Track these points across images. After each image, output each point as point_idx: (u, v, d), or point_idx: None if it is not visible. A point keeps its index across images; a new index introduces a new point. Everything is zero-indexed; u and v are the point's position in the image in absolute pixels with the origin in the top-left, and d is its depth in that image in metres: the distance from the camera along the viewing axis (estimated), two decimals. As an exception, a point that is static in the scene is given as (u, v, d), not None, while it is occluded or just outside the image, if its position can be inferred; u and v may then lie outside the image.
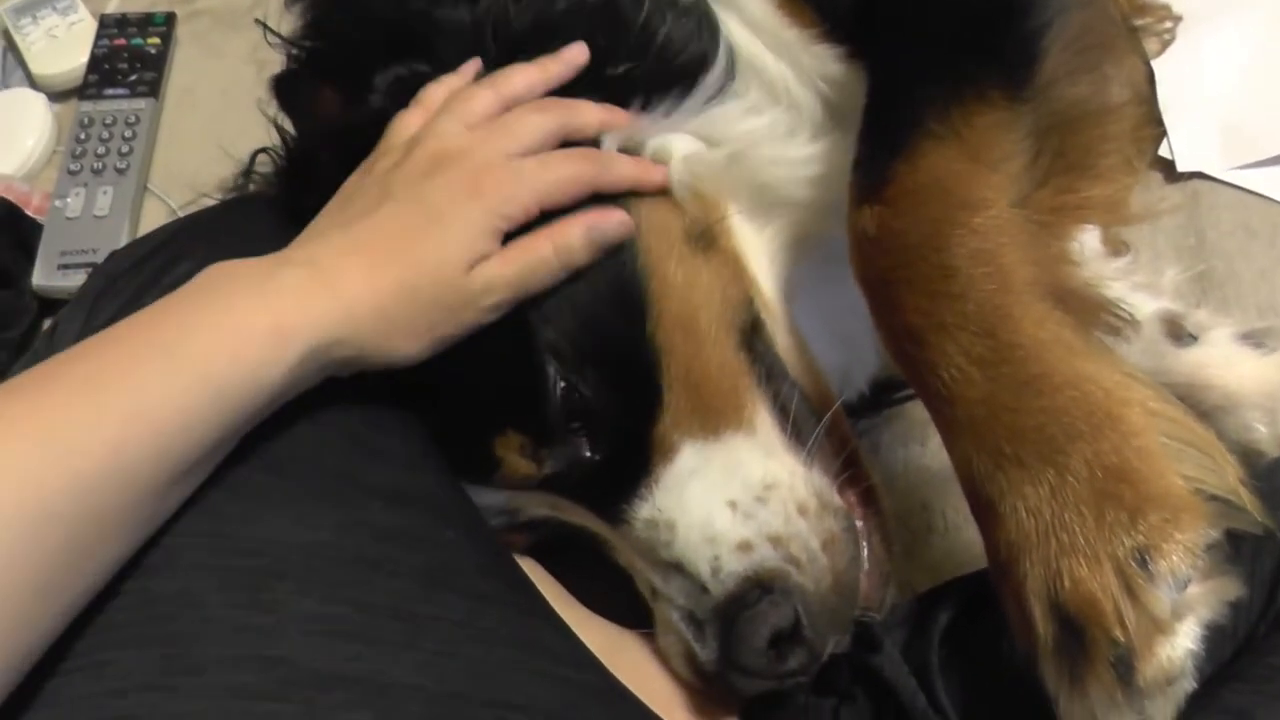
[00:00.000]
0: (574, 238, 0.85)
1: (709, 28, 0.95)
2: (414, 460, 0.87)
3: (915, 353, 0.77)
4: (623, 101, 0.93)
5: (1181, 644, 0.65)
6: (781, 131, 0.97)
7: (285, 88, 1.01)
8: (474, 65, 0.93)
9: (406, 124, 0.90)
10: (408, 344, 0.81)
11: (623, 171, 0.90)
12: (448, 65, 0.92)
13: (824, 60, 0.95)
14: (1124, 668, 0.65)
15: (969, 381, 0.73)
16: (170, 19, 1.80)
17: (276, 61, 1.04)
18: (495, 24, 0.92)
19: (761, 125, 0.96)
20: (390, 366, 0.82)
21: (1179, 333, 1.06)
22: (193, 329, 0.73)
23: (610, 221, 0.87)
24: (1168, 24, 1.36)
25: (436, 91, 0.91)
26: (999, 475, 0.71)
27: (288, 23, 1.04)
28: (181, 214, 1.45)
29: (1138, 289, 1.11)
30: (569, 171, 0.87)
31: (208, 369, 0.71)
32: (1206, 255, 1.24)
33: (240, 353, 0.72)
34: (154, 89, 1.71)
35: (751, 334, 0.92)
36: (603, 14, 0.92)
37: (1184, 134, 1.31)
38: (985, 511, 0.73)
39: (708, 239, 0.93)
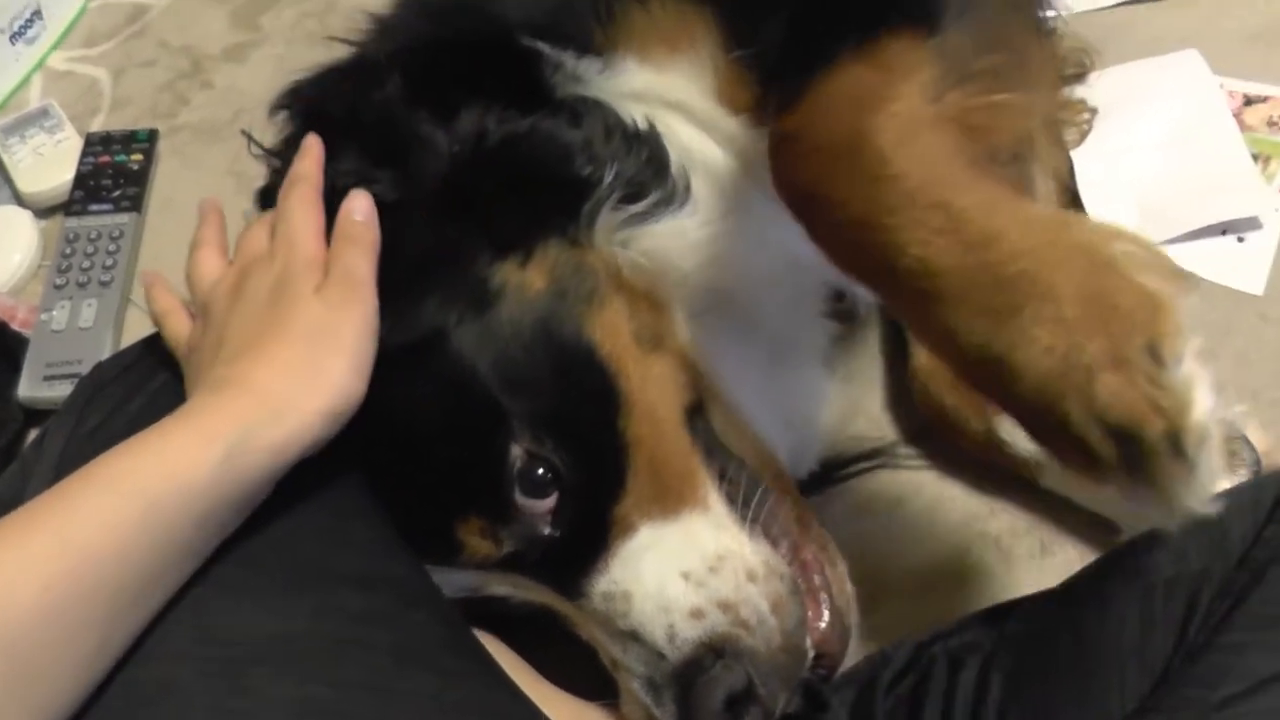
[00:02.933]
0: (357, 226, 0.96)
1: (658, 144, 1.03)
2: (381, 547, 0.93)
3: (873, 243, 0.78)
4: (584, 218, 1.00)
5: (1203, 403, 0.68)
6: (727, 236, 1.05)
7: (267, 200, 1.08)
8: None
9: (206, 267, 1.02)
10: (324, 398, 0.87)
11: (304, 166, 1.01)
12: (417, 183, 0.99)
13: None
14: (1176, 447, 0.68)
15: (940, 250, 0.75)
16: (153, 135, 1.87)
17: (256, 173, 1.11)
18: (467, 147, 1.00)
19: (708, 231, 1.04)
20: (323, 431, 0.87)
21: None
22: (126, 465, 0.78)
23: (357, 200, 0.97)
24: (1085, 115, 1.46)
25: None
26: (1002, 330, 0.72)
27: (271, 132, 1.12)
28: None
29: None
30: (296, 203, 0.98)
31: (135, 485, 0.76)
32: (1129, 328, 1.30)
33: (167, 463, 0.78)
34: (137, 204, 1.77)
35: (701, 420, 1.00)
36: (555, 145, 1.00)
37: (1105, 217, 1.38)
38: (998, 377, 0.73)
39: (657, 338, 1.00)
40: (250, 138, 1.14)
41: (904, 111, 0.82)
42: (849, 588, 1.00)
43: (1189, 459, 0.68)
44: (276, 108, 1.13)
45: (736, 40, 1.01)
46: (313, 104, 1.09)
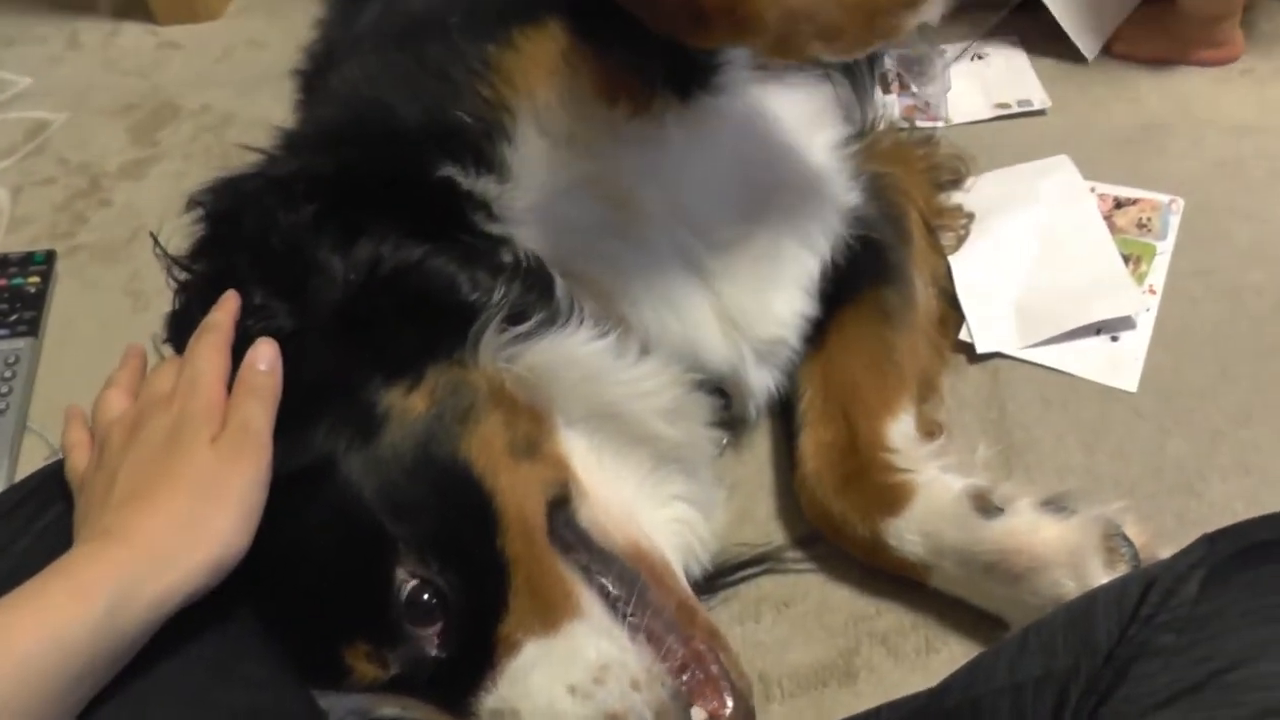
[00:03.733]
0: (260, 376, 0.97)
1: (544, 272, 1.09)
2: (270, 680, 0.93)
3: None
4: (470, 340, 1.03)
5: None
6: (608, 352, 1.09)
7: (178, 323, 1.10)
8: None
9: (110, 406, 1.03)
10: (206, 552, 0.87)
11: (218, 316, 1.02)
12: (313, 312, 1.02)
13: None
14: None
15: None
16: (50, 257, 1.86)
17: (153, 291, 1.12)
18: (361, 275, 1.03)
19: (592, 347, 1.08)
20: (205, 583, 0.87)
21: (987, 506, 1.15)
22: (2, 622, 0.78)
23: (262, 349, 0.99)
24: (963, 220, 1.51)
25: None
26: None
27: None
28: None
29: (949, 469, 1.22)
30: (204, 349, 0.99)
31: (11, 643, 0.76)
32: (1009, 427, 1.35)
33: (45, 622, 0.78)
34: (34, 327, 1.75)
35: (573, 521, 1.02)
36: (443, 276, 1.04)
37: (982, 318, 1.45)
38: None
39: (533, 446, 1.03)
40: (156, 241, 1.15)
41: None
42: (745, 672, 1.02)
43: None
44: (191, 204, 1.14)
45: (586, 36, 1.08)
46: (228, 214, 1.12)
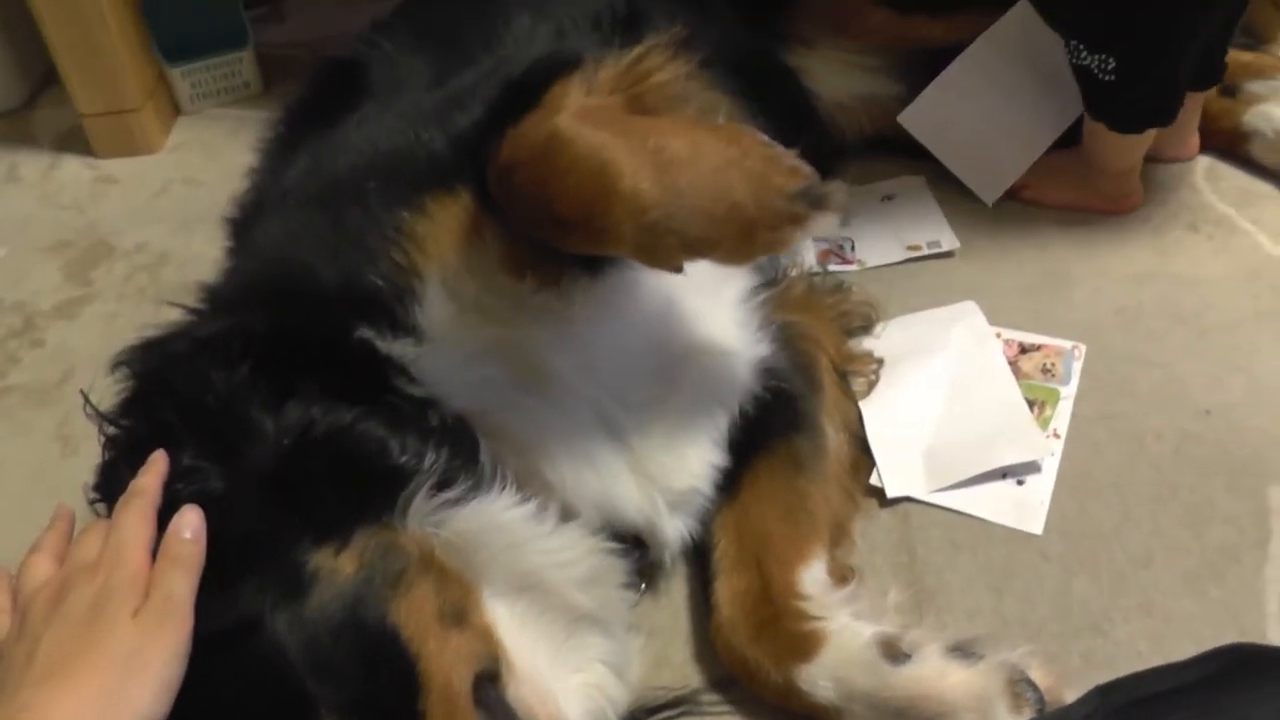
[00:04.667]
0: (184, 545, 0.99)
1: (469, 435, 1.14)
2: None
3: (586, 173, 1.03)
4: (400, 504, 1.07)
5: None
6: (530, 519, 1.13)
7: (107, 479, 1.13)
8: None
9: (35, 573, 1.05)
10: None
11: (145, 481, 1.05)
12: (244, 473, 1.05)
13: None
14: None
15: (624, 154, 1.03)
16: (-20, 397, 1.85)
17: (82, 436, 1.14)
18: (293, 437, 1.06)
19: (515, 514, 1.12)
20: None
21: (896, 653, 1.18)
22: None
23: (188, 517, 1.01)
24: (873, 367, 1.56)
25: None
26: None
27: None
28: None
29: (860, 615, 1.25)
30: (131, 516, 1.02)
31: None
32: (919, 570, 1.38)
33: None
34: (-39, 471, 1.74)
35: (503, 703, 1.04)
36: (373, 440, 1.08)
37: (892, 464, 1.49)
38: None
39: (461, 614, 1.05)
40: (87, 399, 1.18)
41: (572, 106, 1.08)
42: None
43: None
44: (117, 365, 1.18)
45: (495, 210, 1.13)
46: (155, 374, 1.15)
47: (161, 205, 2.29)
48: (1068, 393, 1.58)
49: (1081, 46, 1.71)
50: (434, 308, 1.13)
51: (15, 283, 2.12)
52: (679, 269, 1.07)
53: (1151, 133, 1.79)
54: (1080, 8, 1.72)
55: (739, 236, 1.03)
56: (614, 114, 1.10)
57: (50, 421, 1.78)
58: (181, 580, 0.97)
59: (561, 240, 1.06)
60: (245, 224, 1.49)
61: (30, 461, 1.73)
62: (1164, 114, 1.75)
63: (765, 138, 1.10)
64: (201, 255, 1.95)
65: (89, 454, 1.19)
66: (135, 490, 1.04)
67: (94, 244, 2.19)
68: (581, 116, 1.07)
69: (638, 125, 1.08)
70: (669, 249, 1.03)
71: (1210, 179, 1.97)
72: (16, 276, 2.14)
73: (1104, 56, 1.68)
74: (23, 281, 2.12)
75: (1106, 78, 1.70)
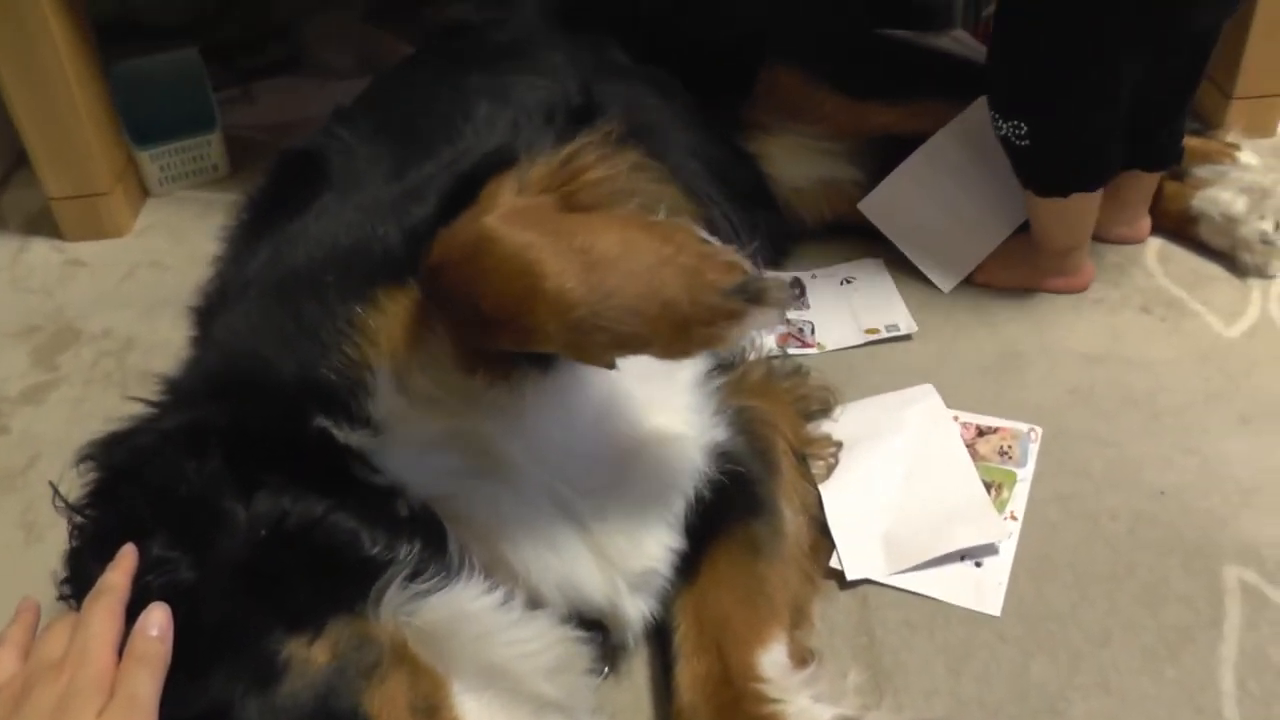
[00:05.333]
0: (150, 644, 1.00)
1: (437, 525, 1.15)
2: None
3: (514, 273, 1.03)
4: (372, 594, 1.08)
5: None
6: (498, 608, 1.14)
7: (75, 571, 1.13)
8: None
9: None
10: None
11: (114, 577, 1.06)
12: (216, 563, 1.06)
13: None
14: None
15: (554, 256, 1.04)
16: (-57, 485, 1.84)
17: (46, 524, 1.14)
18: (266, 528, 1.08)
19: (483, 605, 1.13)
20: None
21: (852, 736, 1.20)
22: None
23: (154, 614, 1.02)
24: (831, 450, 1.58)
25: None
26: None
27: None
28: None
29: (820, 698, 1.26)
30: (98, 613, 1.02)
31: None
32: (878, 651, 1.39)
33: None
34: (-78, 556, 1.74)
35: None
36: (345, 532, 1.10)
37: (851, 546, 1.50)
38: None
39: (432, 709, 1.07)
40: (57, 491, 1.19)
41: (503, 205, 1.10)
42: None
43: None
44: (83, 459, 1.18)
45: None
46: (123, 466, 1.16)
47: (128, 289, 2.30)
48: (1024, 475, 1.60)
49: (997, 116, 1.77)
50: (386, 400, 1.15)
51: (-19, 367, 2.12)
52: (611, 365, 1.08)
53: (1093, 207, 1.84)
54: (993, 78, 1.79)
55: (673, 333, 1.03)
56: (544, 213, 1.11)
57: (15, 508, 1.76)
58: (146, 680, 0.97)
59: (492, 339, 1.08)
60: (209, 313, 1.51)
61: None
62: (1085, 178, 1.79)
63: (702, 233, 1.11)
64: (167, 341, 1.95)
65: (55, 541, 1.20)
66: (104, 587, 1.05)
67: (61, 329, 2.19)
68: (510, 217, 1.08)
69: (567, 224, 1.09)
70: (599, 346, 1.04)
71: (1162, 260, 2.02)
72: (-18, 361, 2.14)
73: (1016, 123, 1.75)
74: (-11, 367, 2.12)
75: (1021, 143, 1.76)
